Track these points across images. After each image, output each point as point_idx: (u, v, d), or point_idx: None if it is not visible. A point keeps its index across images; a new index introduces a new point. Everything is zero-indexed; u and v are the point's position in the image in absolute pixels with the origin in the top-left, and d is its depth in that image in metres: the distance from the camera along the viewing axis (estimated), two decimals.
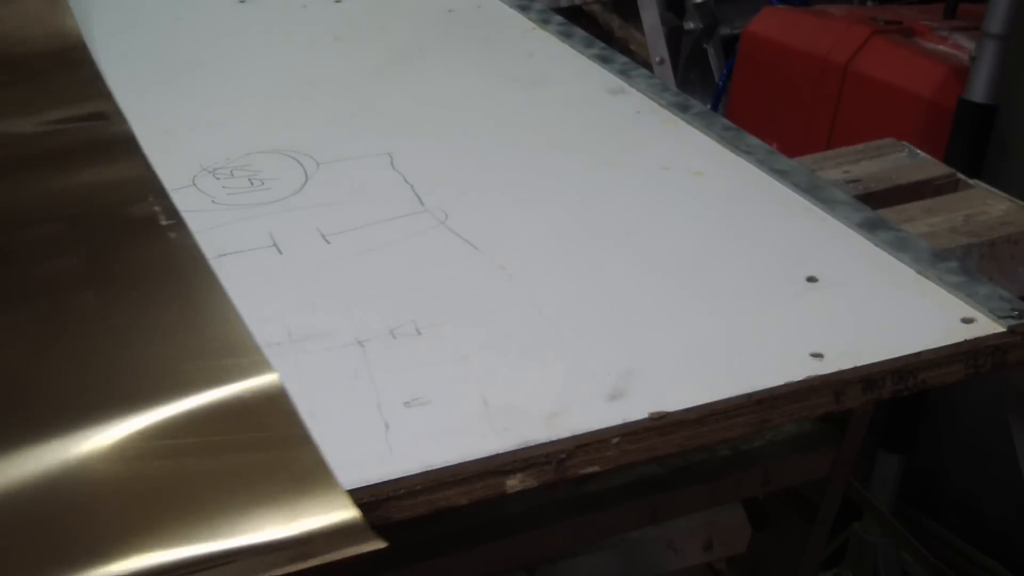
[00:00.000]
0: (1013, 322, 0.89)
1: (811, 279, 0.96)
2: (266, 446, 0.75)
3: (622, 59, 1.38)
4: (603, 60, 1.38)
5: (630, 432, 0.78)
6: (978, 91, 1.87)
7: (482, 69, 1.37)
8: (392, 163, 1.15)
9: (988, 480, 1.99)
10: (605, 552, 1.11)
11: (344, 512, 0.70)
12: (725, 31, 2.76)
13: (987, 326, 0.90)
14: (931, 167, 1.22)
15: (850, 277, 0.96)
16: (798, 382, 0.83)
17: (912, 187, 1.19)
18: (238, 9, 1.57)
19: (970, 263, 1.06)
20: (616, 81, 1.33)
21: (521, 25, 1.50)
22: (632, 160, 1.16)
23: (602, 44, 1.43)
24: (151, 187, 1.07)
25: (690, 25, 2.75)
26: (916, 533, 1.95)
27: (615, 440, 0.78)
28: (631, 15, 2.81)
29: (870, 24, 2.16)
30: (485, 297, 0.94)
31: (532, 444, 0.77)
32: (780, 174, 1.12)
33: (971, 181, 1.20)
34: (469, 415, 0.80)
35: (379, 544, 0.70)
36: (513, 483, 0.76)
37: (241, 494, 0.71)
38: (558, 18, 1.51)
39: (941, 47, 2.09)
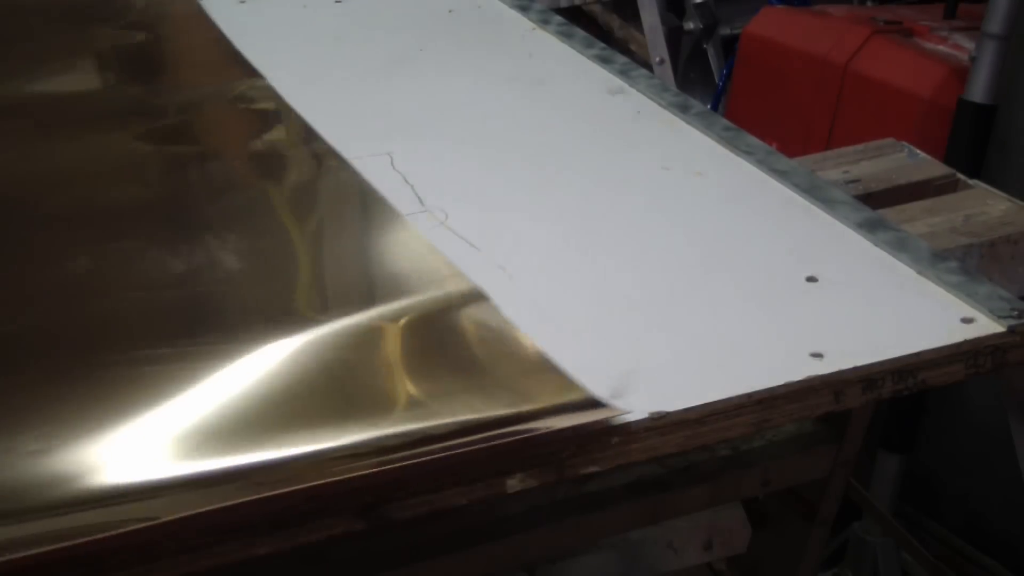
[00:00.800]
0: (1013, 322, 0.89)
1: (811, 279, 0.95)
2: (492, 340, 0.89)
3: (622, 59, 1.38)
4: (603, 60, 1.38)
5: (630, 432, 0.78)
6: (978, 91, 1.87)
7: (482, 69, 1.37)
8: (392, 163, 1.15)
9: (988, 480, 1.99)
10: (605, 552, 1.11)
11: (572, 392, 0.81)
12: (725, 31, 2.76)
13: (987, 326, 0.90)
14: (931, 167, 1.22)
15: (850, 277, 0.96)
16: (798, 382, 0.83)
17: (912, 187, 1.19)
18: (238, 9, 1.57)
19: (970, 263, 1.06)
20: (616, 81, 1.33)
21: (521, 25, 1.50)
22: (632, 160, 1.16)
23: (602, 44, 1.43)
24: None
25: (690, 25, 2.75)
26: (916, 533, 1.95)
27: (615, 440, 0.78)
28: (631, 15, 2.81)
29: (870, 24, 2.16)
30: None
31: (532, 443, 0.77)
32: (780, 174, 1.12)
33: (971, 181, 1.20)
34: None
35: (613, 412, 0.79)
36: (513, 483, 0.76)
37: (478, 376, 0.85)
38: (558, 18, 1.51)
39: (941, 47, 2.09)
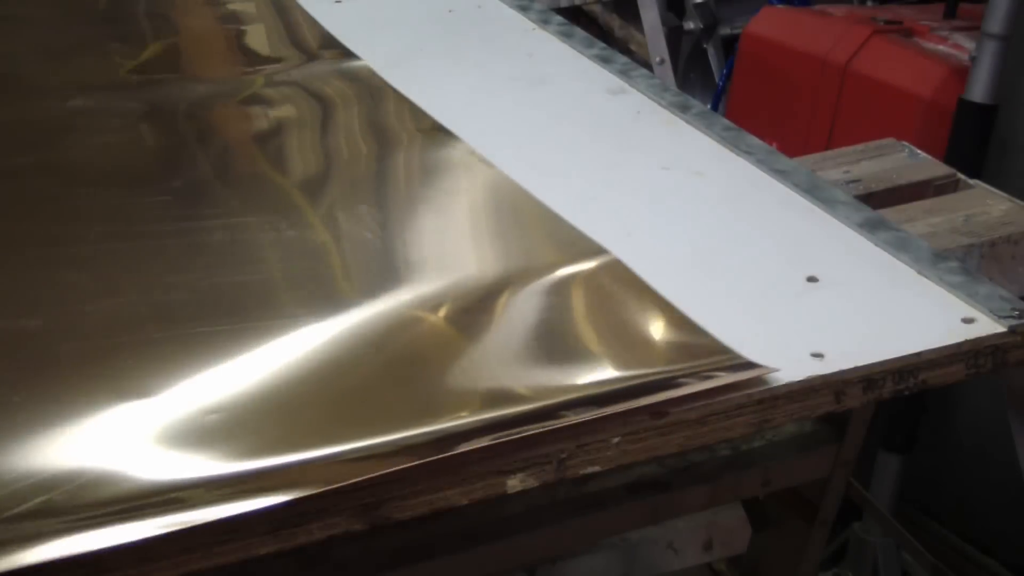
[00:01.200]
0: (1013, 322, 0.89)
1: (811, 279, 0.95)
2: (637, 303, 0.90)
3: (622, 59, 1.38)
4: (603, 60, 1.38)
5: (630, 432, 0.78)
6: (978, 91, 1.87)
7: (482, 69, 1.37)
8: None
9: (988, 480, 1.99)
10: (605, 552, 1.11)
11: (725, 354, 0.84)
12: (725, 31, 2.76)
13: (987, 326, 0.90)
14: (931, 167, 1.22)
15: (850, 277, 0.96)
16: (798, 382, 0.83)
17: (912, 187, 1.19)
18: None
19: (970, 263, 1.06)
20: (616, 81, 1.33)
21: (521, 25, 1.50)
22: (632, 160, 1.16)
23: (602, 44, 1.43)
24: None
25: (690, 25, 2.75)
26: (916, 533, 1.94)
27: (615, 440, 0.78)
28: (631, 15, 2.80)
29: (870, 24, 2.16)
30: None
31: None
32: (780, 174, 1.12)
33: (971, 181, 1.20)
34: None
35: (765, 370, 0.81)
36: (513, 483, 0.76)
37: (629, 338, 0.87)
38: (558, 18, 1.51)
39: (941, 47, 2.09)
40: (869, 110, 2.07)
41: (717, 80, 2.72)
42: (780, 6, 2.51)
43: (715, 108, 2.59)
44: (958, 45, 2.07)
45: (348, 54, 1.39)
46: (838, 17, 2.24)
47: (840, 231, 1.03)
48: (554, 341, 0.86)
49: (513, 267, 0.96)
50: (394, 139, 1.21)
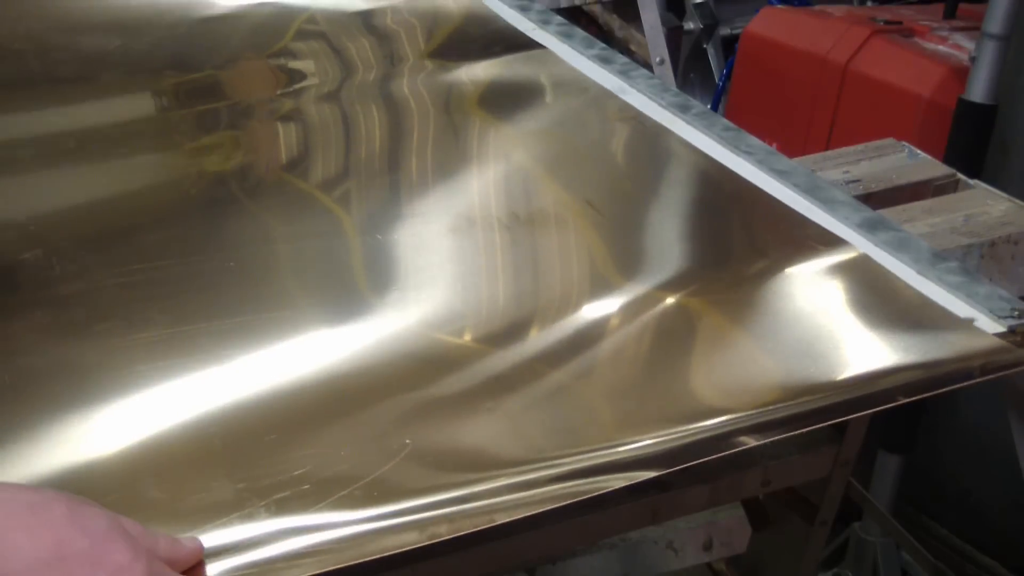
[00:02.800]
0: (1013, 322, 0.89)
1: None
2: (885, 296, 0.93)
3: (622, 59, 1.38)
4: (603, 60, 1.37)
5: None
6: (978, 91, 1.87)
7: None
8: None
9: (988, 480, 1.99)
10: (605, 552, 1.11)
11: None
12: (725, 31, 2.75)
13: (987, 326, 0.90)
14: (931, 167, 1.22)
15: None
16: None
17: (912, 187, 1.19)
18: None
19: (970, 263, 1.06)
20: (616, 81, 1.33)
21: (521, 25, 1.50)
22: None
23: (602, 44, 1.43)
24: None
25: (690, 25, 2.74)
26: (916, 533, 1.94)
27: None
28: (631, 16, 2.80)
29: (870, 24, 2.16)
30: None
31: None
32: (780, 174, 1.11)
33: (971, 181, 1.20)
34: None
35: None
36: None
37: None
38: (558, 18, 1.51)
39: (941, 47, 2.09)
40: (869, 110, 2.07)
41: (717, 80, 2.72)
42: (780, 6, 2.51)
43: (715, 108, 2.59)
44: (958, 45, 2.07)
45: None
46: (838, 17, 2.23)
47: (840, 231, 1.03)
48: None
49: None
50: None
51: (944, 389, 0.84)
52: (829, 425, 1.11)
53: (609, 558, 1.11)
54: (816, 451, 1.10)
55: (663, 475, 0.77)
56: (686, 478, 1.04)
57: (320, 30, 1.42)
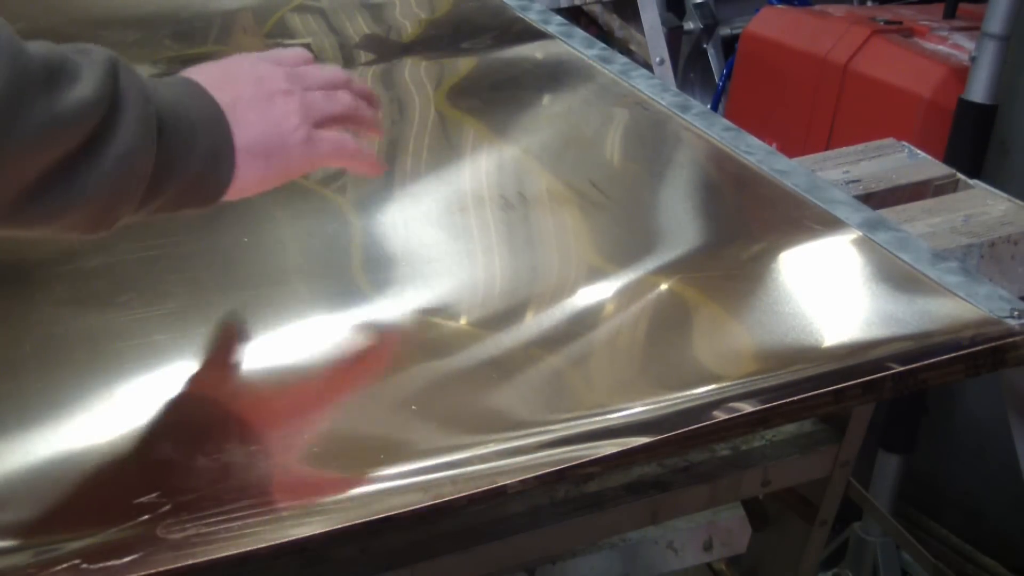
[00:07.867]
0: (1013, 322, 0.89)
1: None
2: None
3: (622, 59, 1.38)
4: (603, 61, 1.37)
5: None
6: (978, 91, 1.87)
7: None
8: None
9: (988, 480, 1.99)
10: (605, 552, 1.11)
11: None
12: (725, 31, 2.75)
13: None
14: (931, 167, 1.22)
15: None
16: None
17: (912, 187, 1.19)
18: None
19: (970, 263, 1.06)
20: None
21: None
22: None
23: (602, 44, 1.42)
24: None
25: (690, 25, 2.74)
26: (916, 533, 1.95)
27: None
28: (631, 15, 2.80)
29: (870, 24, 2.16)
30: None
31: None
32: (780, 174, 1.11)
33: (971, 181, 1.20)
34: None
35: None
36: (514, 483, 0.76)
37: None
38: (558, 18, 1.51)
39: (941, 47, 2.09)
40: (869, 110, 2.07)
41: (717, 80, 2.72)
42: (780, 6, 2.51)
43: (715, 108, 2.59)
44: (958, 45, 2.07)
45: None
46: (838, 17, 2.23)
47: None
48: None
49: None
50: None
51: (935, 359, 0.84)
52: (829, 425, 1.11)
53: (609, 558, 1.11)
54: (816, 451, 1.10)
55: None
56: (686, 478, 1.04)
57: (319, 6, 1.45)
